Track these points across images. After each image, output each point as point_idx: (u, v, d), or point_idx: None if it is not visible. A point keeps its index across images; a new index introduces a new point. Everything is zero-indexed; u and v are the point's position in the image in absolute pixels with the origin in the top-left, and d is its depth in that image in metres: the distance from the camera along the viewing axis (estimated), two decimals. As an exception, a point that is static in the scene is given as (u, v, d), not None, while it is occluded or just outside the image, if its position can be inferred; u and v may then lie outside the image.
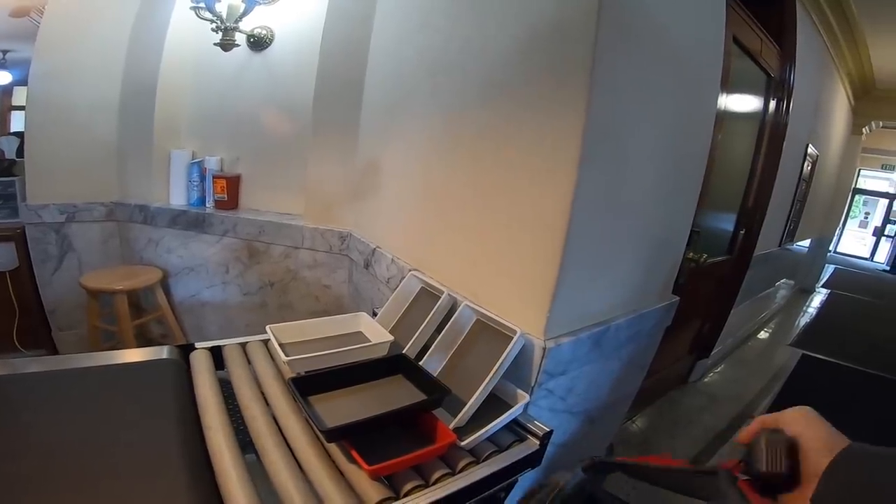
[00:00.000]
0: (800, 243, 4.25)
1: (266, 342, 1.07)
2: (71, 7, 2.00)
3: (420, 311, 1.14)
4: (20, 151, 2.21)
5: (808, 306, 5.00)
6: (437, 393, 0.85)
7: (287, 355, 0.91)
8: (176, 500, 0.63)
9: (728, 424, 2.31)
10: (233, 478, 0.66)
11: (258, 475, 0.69)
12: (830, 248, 7.07)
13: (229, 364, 0.98)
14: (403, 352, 1.02)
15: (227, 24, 1.82)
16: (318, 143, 1.87)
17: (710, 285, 2.29)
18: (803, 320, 4.42)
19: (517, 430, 0.89)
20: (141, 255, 2.20)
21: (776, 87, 2.30)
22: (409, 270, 1.29)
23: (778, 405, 2.43)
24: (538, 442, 0.87)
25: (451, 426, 0.81)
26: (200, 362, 0.95)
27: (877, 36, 3.52)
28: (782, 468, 0.42)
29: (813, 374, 3.02)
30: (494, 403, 0.89)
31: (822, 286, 6.09)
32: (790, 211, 3.35)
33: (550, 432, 0.88)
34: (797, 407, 0.48)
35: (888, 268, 9.25)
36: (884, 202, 10.44)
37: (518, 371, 0.96)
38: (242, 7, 1.80)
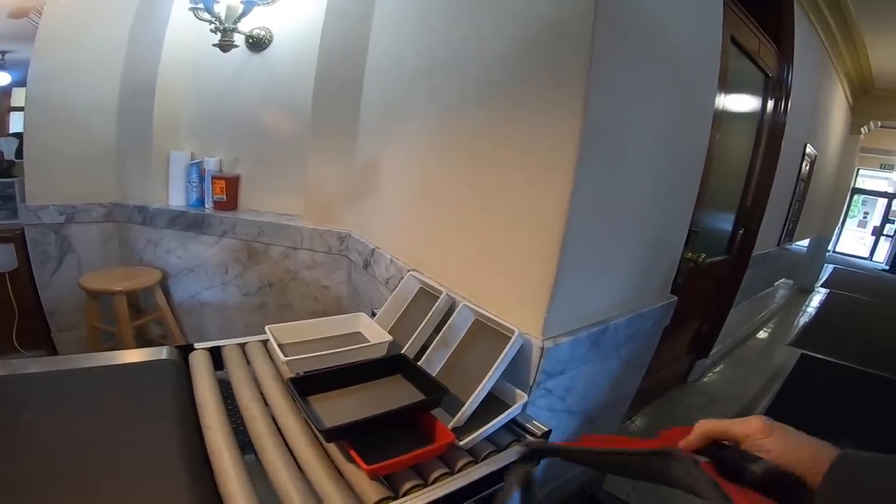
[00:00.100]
0: (799, 243, 4.24)
1: (265, 343, 1.07)
2: (69, 8, 2.00)
3: (419, 311, 1.14)
4: (19, 152, 2.21)
5: (807, 306, 5.00)
6: (436, 393, 0.85)
7: (286, 356, 0.92)
8: (176, 500, 0.63)
9: (727, 424, 2.30)
10: (232, 478, 0.67)
11: (257, 475, 0.69)
12: (829, 247, 7.07)
13: (228, 364, 0.99)
14: (402, 352, 1.02)
15: (226, 25, 1.83)
16: (317, 144, 1.87)
17: (708, 285, 2.29)
18: (802, 320, 4.42)
19: (516, 429, 0.89)
20: (140, 256, 2.20)
21: (774, 86, 2.30)
22: (408, 271, 1.29)
23: (777, 405, 2.44)
24: (537, 441, 0.87)
25: (450, 426, 0.81)
26: (200, 363, 0.96)
27: (875, 35, 3.52)
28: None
29: (812, 373, 3.03)
30: (493, 403, 0.90)
31: (821, 286, 6.09)
32: (789, 210, 3.35)
33: (549, 432, 0.88)
34: (752, 417, 0.46)
35: (887, 267, 9.24)
36: (882, 202, 10.46)
37: (516, 371, 0.97)
38: (241, 8, 1.81)
